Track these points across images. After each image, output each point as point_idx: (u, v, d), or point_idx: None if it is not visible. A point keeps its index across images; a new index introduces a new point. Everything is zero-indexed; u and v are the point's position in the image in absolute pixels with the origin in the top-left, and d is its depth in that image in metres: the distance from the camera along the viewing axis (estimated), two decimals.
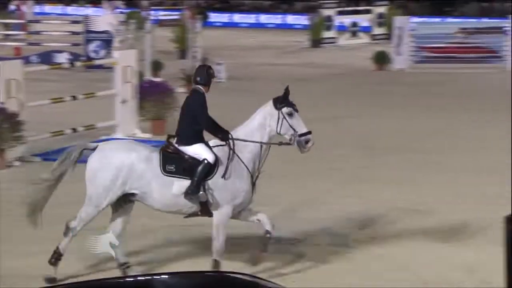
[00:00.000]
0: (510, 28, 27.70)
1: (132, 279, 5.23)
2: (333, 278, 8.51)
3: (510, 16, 28.77)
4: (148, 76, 21.41)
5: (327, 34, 36.84)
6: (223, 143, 8.55)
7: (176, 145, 8.55)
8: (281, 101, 8.61)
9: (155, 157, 8.47)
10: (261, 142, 8.57)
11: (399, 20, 29.91)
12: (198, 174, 8.34)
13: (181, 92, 17.12)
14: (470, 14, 48.56)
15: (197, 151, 8.46)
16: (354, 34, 38.20)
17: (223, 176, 8.44)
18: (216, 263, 8.45)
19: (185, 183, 8.39)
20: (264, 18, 50.56)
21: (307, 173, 12.48)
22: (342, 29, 37.93)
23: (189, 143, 8.50)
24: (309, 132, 8.59)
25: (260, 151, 8.58)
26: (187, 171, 8.41)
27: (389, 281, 8.41)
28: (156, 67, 23.87)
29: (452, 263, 8.91)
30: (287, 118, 8.56)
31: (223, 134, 8.59)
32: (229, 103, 17.14)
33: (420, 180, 12.30)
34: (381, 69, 28.17)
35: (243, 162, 8.50)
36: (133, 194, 8.50)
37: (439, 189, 11.84)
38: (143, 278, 5.11)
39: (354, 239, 9.63)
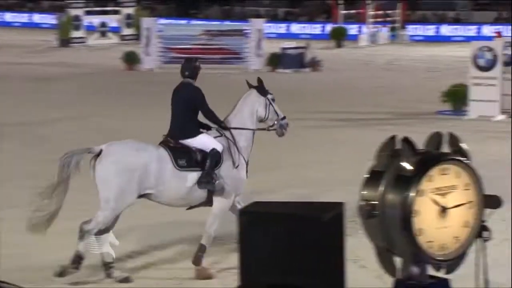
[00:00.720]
0: (250, 31, 29.38)
1: None
2: None
3: (258, 19, 30.46)
4: None
5: (75, 33, 36.78)
6: (220, 133, 8.68)
7: (178, 139, 8.53)
8: (263, 89, 8.94)
9: (164, 153, 8.42)
10: (256, 129, 8.82)
11: (147, 21, 30.62)
12: (210, 164, 8.41)
13: None
14: (214, 17, 50.53)
15: (203, 141, 8.55)
16: (103, 34, 38.44)
17: (233, 165, 8.57)
18: (202, 247, 8.52)
19: (197, 175, 8.43)
20: (9, 16, 49.12)
21: None
22: (91, 29, 38.02)
23: (192, 135, 8.56)
24: (285, 116, 9.04)
25: (252, 138, 8.83)
26: (199, 163, 8.45)
27: None
28: None
29: None
30: (272, 103, 8.94)
31: (220, 124, 8.70)
32: None
33: None
34: (131, 69, 28.72)
35: (240, 151, 8.65)
36: (145, 194, 8.40)
37: None
38: None
39: None
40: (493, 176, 11.46)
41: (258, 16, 45.22)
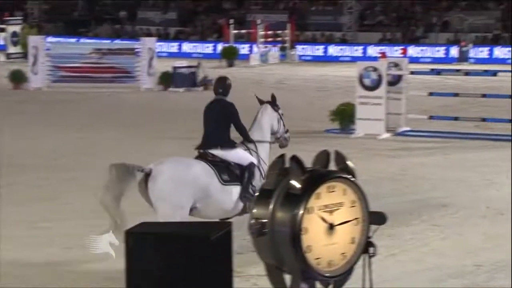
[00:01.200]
0: (142, 50, 29.24)
1: None
2: None
3: (151, 38, 30.34)
4: None
5: None
6: (246, 147, 9.09)
7: (215, 152, 8.82)
8: (275, 104, 9.57)
9: (208, 168, 8.66)
10: (272, 142, 9.43)
11: (34, 40, 30.03)
12: (248, 177, 8.80)
13: None
14: (104, 35, 50.03)
15: (240, 155, 8.93)
16: None
17: (262, 176, 8.86)
18: None
19: (238, 188, 8.75)
20: None
21: None
22: None
23: (229, 148, 8.90)
24: (288, 130, 9.76)
25: (269, 150, 9.28)
26: (238, 177, 8.78)
27: None
28: None
29: None
30: (282, 118, 9.60)
31: (248, 138, 9.16)
32: None
33: (62, 198, 12.50)
34: (18, 88, 28.08)
35: (264, 162, 9.04)
36: (192, 208, 8.53)
37: (80, 206, 12.13)
38: None
39: None
40: (379, 193, 11.84)
41: (149, 35, 45.10)
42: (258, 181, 8.87)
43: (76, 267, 8.98)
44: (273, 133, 9.54)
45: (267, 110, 9.55)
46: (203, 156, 8.92)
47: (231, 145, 9.00)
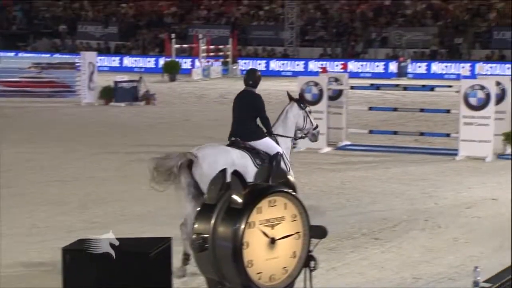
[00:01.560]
0: (82, 64, 28.97)
1: None
2: None
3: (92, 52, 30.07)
4: None
5: None
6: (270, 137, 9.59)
7: (246, 140, 9.36)
8: (303, 102, 10.27)
9: (244, 153, 9.21)
10: (294, 137, 10.12)
11: None
12: (276, 165, 9.19)
13: None
14: (43, 49, 49.45)
15: (268, 144, 9.49)
16: None
17: (285, 166, 9.40)
18: None
19: None
20: None
21: None
22: None
23: (258, 137, 9.46)
24: (317, 125, 10.46)
25: (291, 144, 10.04)
26: (267, 163, 9.27)
27: None
28: None
29: None
30: (309, 115, 10.23)
31: (270, 130, 9.69)
32: None
33: None
34: None
35: (285, 155, 9.63)
36: None
37: (17, 222, 11.98)
38: None
39: None
40: (320, 207, 11.92)
41: (89, 49, 44.73)
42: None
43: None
44: (299, 129, 10.27)
45: (293, 107, 10.26)
46: (235, 143, 9.46)
47: (260, 134, 9.56)
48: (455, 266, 9.37)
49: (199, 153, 8.94)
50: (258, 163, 9.27)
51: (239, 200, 5.47)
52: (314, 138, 10.53)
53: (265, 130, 9.77)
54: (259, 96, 9.75)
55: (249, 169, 9.08)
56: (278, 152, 9.52)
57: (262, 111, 9.67)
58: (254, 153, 9.34)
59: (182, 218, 8.94)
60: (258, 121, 9.77)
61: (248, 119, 9.58)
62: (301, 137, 10.47)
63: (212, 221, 5.49)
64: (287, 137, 10.05)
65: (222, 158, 8.94)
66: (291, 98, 10.39)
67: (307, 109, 10.37)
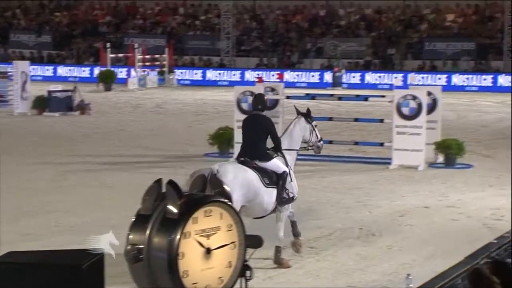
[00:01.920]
0: (14, 73, 28.52)
1: None
2: None
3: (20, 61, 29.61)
4: None
5: None
6: (276, 154, 10.09)
7: (254, 161, 9.79)
8: (309, 116, 10.61)
9: (255, 173, 9.69)
10: (300, 149, 10.52)
11: None
12: (283, 184, 9.88)
13: None
14: None
15: (277, 165, 9.95)
16: None
17: (290, 180, 10.04)
18: (279, 248, 9.87)
19: (275, 191, 9.85)
20: None
21: None
22: None
23: (268, 159, 9.92)
24: (322, 138, 10.94)
25: (296, 155, 10.47)
26: (275, 182, 9.82)
27: None
28: None
29: None
30: (315, 129, 10.65)
31: (279, 148, 10.13)
32: None
33: None
34: None
35: (290, 167, 10.15)
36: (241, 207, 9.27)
37: None
38: None
39: None
40: None
41: (22, 58, 44.06)
42: (288, 185, 10.08)
43: None
44: (305, 142, 10.69)
45: (300, 121, 10.67)
46: (244, 163, 9.85)
47: (269, 156, 10.01)
48: (389, 274, 9.52)
49: (221, 168, 9.33)
50: (267, 183, 9.80)
51: (175, 210, 5.46)
52: (318, 150, 10.94)
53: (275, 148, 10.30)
54: (270, 119, 10.35)
55: (260, 190, 9.69)
56: (284, 171, 10.00)
57: (274, 131, 10.24)
58: (263, 173, 9.84)
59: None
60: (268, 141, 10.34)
61: (259, 141, 10.05)
62: (306, 149, 10.81)
63: (147, 232, 5.47)
64: (293, 150, 10.48)
65: (242, 176, 9.54)
66: (298, 113, 10.75)
67: (314, 123, 10.77)
